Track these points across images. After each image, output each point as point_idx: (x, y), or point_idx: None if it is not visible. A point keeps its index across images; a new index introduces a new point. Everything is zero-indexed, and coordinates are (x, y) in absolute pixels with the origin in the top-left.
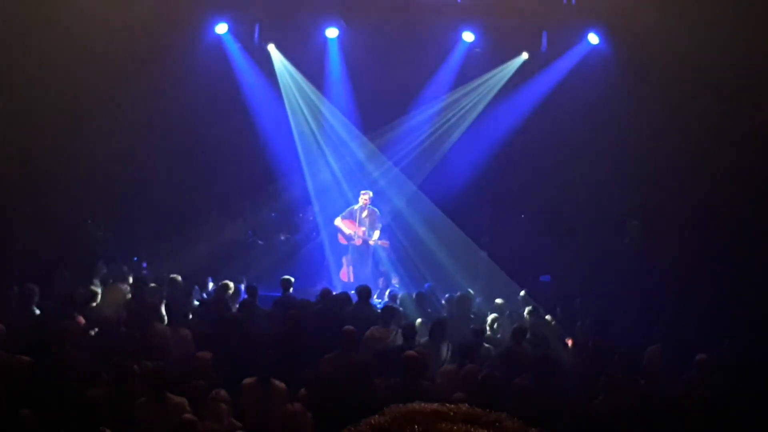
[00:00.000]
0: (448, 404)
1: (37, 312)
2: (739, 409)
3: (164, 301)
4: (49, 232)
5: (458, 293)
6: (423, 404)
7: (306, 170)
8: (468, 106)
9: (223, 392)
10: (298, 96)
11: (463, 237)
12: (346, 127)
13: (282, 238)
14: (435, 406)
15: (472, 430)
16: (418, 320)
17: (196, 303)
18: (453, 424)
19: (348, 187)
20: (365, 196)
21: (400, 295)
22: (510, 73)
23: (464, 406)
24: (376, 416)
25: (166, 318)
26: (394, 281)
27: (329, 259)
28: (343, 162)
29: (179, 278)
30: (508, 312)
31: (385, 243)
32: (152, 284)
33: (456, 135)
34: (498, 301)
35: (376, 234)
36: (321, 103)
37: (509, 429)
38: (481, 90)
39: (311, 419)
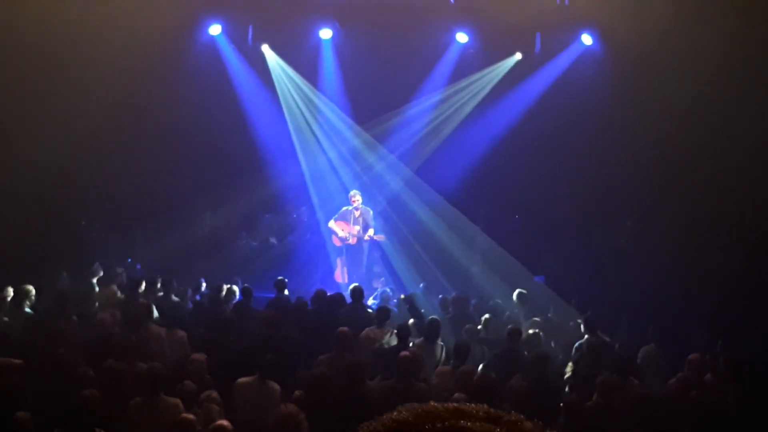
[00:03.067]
0: (469, 404)
1: (30, 313)
2: (732, 409)
3: (158, 302)
4: (44, 233)
5: (454, 294)
6: (443, 404)
7: (303, 165)
8: (459, 105)
9: (214, 394)
10: (293, 92)
11: (461, 217)
12: (341, 121)
13: (272, 240)
14: (456, 405)
15: (494, 429)
16: (411, 321)
17: (190, 305)
18: (475, 421)
19: (345, 173)
20: (356, 196)
21: (394, 296)
22: (503, 73)
23: (484, 407)
24: (396, 413)
25: (159, 319)
26: (381, 286)
27: (323, 260)
28: (340, 154)
29: (173, 280)
30: (507, 313)
31: (381, 237)
32: (146, 285)
33: (450, 134)
34: (497, 301)
35: (371, 231)
36: (316, 97)
37: (528, 430)
38: (473, 88)
39: (305, 420)
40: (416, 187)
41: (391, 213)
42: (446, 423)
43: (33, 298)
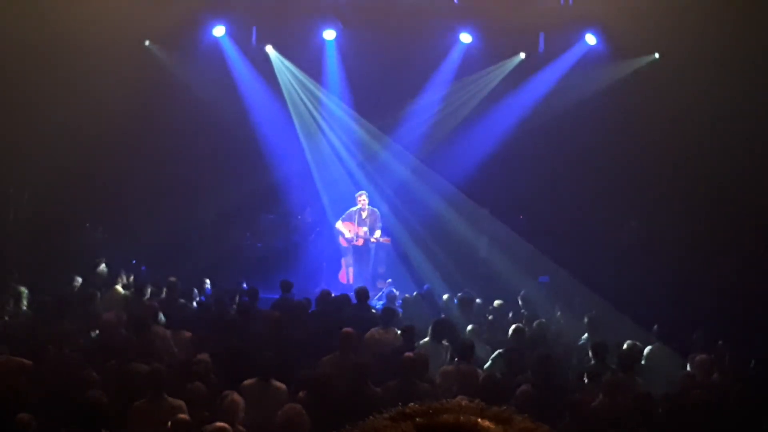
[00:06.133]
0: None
1: (33, 314)
2: (736, 409)
3: (162, 303)
4: (48, 235)
5: (459, 294)
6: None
7: (311, 165)
8: (461, 104)
9: (236, 395)
10: (299, 91)
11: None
12: (348, 117)
13: (276, 241)
14: (475, 402)
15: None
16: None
17: (195, 305)
18: (492, 422)
19: (352, 169)
20: (362, 197)
21: (400, 297)
22: (506, 72)
23: (497, 408)
24: (416, 405)
25: (164, 320)
26: (386, 287)
27: (328, 261)
28: (347, 149)
29: (177, 280)
30: (511, 313)
31: (387, 240)
32: (151, 286)
33: (452, 134)
34: (500, 301)
35: (378, 233)
36: (322, 95)
37: None
38: (476, 87)
39: (309, 421)
40: (422, 179)
41: (398, 203)
42: (468, 417)
43: (26, 299)
